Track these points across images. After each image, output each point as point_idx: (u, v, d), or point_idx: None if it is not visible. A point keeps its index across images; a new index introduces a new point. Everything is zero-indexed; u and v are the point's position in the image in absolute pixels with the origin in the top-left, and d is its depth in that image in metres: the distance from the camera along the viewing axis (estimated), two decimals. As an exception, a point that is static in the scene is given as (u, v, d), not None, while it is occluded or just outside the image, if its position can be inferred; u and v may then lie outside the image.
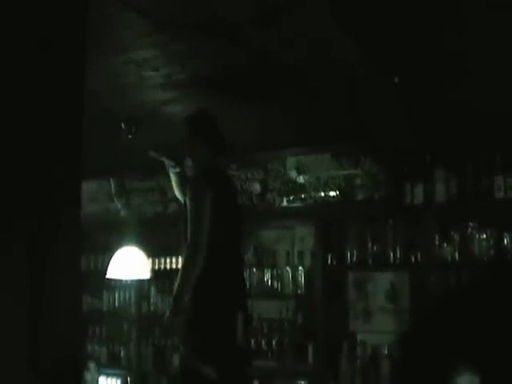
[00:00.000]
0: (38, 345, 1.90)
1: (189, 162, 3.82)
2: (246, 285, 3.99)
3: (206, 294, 3.38)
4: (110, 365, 6.34)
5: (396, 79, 3.95)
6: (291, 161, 5.70)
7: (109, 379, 6.24)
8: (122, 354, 6.40)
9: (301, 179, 5.64)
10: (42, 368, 1.92)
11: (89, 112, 2.24)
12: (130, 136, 4.83)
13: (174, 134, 3.77)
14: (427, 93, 4.23)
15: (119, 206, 5.73)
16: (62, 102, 2.10)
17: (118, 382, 6.22)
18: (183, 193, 3.76)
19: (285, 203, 5.71)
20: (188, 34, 3.28)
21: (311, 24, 3.14)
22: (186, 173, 3.95)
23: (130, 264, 4.99)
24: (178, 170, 3.95)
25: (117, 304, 6.52)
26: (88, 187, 6.22)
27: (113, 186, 5.71)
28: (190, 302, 3.41)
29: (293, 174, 5.68)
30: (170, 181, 4.06)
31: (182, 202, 3.76)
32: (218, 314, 3.42)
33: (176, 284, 3.42)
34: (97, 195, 6.49)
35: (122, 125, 4.78)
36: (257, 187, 5.85)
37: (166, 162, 3.99)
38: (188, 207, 3.47)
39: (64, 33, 2.11)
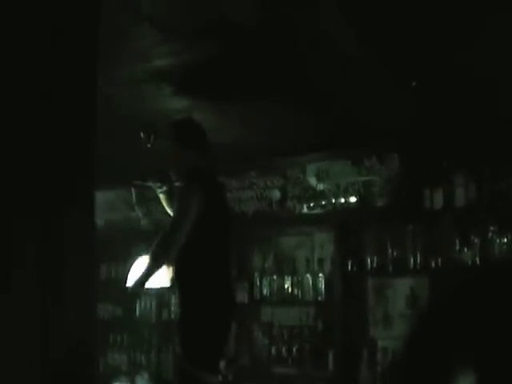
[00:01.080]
0: (49, 348, 1.91)
1: (175, 174, 3.81)
2: (233, 291, 3.97)
3: (200, 300, 3.37)
4: (131, 372, 6.36)
5: (414, 83, 3.94)
6: (311, 168, 5.70)
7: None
8: (142, 361, 6.44)
9: (320, 186, 5.64)
10: (55, 369, 1.94)
11: (109, 122, 2.26)
12: (149, 145, 4.85)
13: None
14: (446, 97, 4.21)
15: (140, 215, 5.75)
16: (74, 108, 2.12)
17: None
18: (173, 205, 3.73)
19: (304, 210, 5.71)
20: (202, 42, 3.31)
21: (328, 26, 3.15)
22: (174, 187, 3.94)
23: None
24: (165, 188, 3.96)
25: (138, 312, 6.56)
26: (109, 196, 6.28)
27: (134, 194, 5.73)
28: (184, 308, 3.42)
29: (312, 180, 5.68)
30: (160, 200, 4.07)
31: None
32: (212, 319, 3.41)
33: (148, 262, 3.45)
34: (117, 204, 6.54)
35: (141, 134, 4.81)
36: (276, 194, 5.86)
37: (153, 185, 4.02)
38: (175, 204, 3.49)
39: (75, 40, 2.14)
